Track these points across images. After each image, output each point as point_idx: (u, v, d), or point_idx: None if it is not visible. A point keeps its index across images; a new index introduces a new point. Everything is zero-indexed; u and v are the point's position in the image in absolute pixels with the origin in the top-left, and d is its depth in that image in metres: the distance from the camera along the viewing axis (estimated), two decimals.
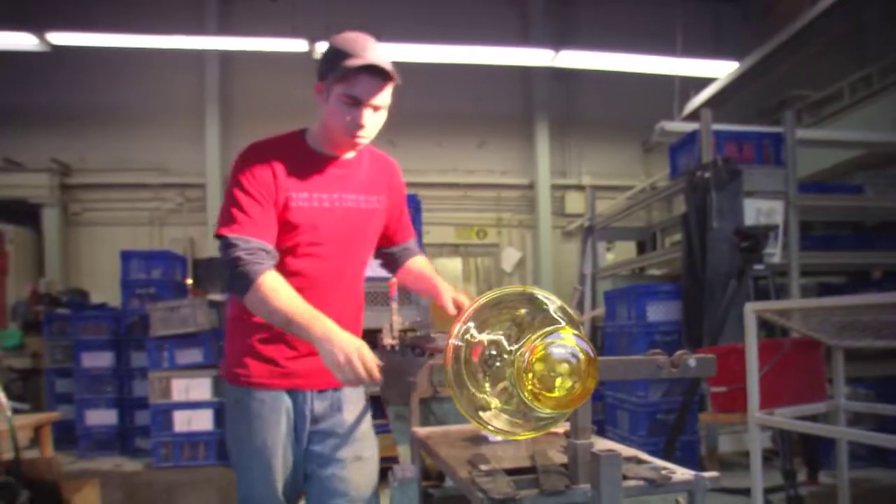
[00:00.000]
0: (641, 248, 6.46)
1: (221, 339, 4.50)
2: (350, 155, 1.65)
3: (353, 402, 1.69)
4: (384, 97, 1.54)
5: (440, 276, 1.83)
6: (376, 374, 1.31)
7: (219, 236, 1.51)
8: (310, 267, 1.60)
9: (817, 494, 3.51)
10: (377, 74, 1.50)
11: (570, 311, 0.97)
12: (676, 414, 3.86)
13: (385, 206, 1.74)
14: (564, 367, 0.86)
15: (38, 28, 6.53)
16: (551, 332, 0.86)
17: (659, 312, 4.33)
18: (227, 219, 1.51)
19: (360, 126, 1.53)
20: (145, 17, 7.91)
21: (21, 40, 6.61)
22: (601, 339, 5.29)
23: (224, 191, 1.57)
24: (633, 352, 4.30)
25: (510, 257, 9.38)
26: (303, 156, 1.60)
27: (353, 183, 1.65)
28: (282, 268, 1.54)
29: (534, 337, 0.85)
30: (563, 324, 0.89)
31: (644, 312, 4.32)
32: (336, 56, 1.50)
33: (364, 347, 1.33)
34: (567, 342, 0.85)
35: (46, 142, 8.29)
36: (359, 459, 1.64)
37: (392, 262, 1.91)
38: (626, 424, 4.39)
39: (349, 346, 1.31)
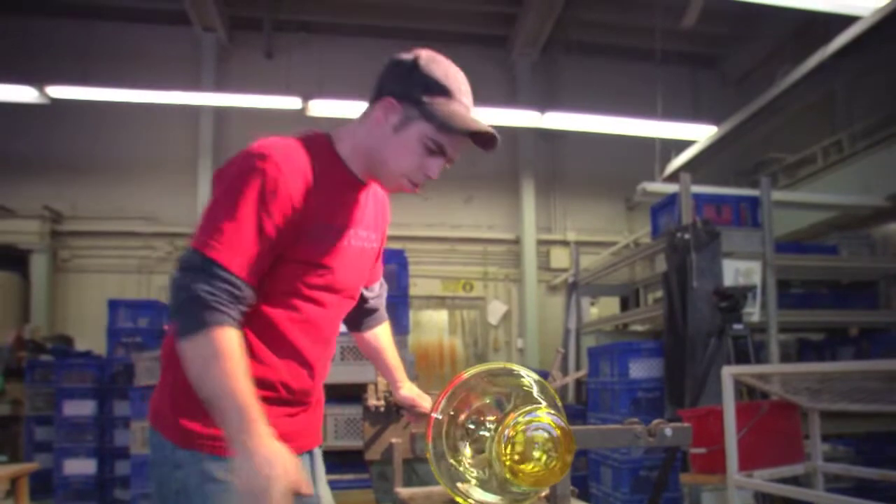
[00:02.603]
0: (625, 304, 6.57)
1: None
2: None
3: (321, 464, 1.46)
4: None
5: (399, 360, 1.67)
6: None
7: (193, 249, 1.14)
8: (310, 313, 1.29)
9: None
10: (481, 139, 1.28)
11: (549, 387, 1.05)
12: (659, 471, 3.89)
13: (378, 244, 1.49)
14: (542, 444, 0.93)
15: (38, 81, 6.70)
16: (530, 412, 0.93)
17: (641, 369, 4.40)
18: (211, 233, 1.13)
19: (429, 178, 1.30)
20: (143, 72, 8.13)
21: (21, 93, 6.77)
22: (585, 395, 5.34)
23: (219, 186, 1.19)
24: (616, 408, 4.35)
25: (496, 310, 9.45)
26: (336, 176, 1.28)
27: (366, 217, 1.37)
28: (274, 309, 1.24)
29: (514, 415, 0.92)
30: (542, 403, 0.96)
31: (627, 369, 4.38)
32: (429, 85, 1.23)
33: (296, 470, 1.04)
34: (543, 420, 0.93)
35: (39, 189, 8.38)
36: None
37: (357, 315, 1.60)
38: (609, 481, 4.40)
39: (277, 471, 1.00)
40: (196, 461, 1.20)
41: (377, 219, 1.44)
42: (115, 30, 8.68)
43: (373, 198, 1.42)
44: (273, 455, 1.01)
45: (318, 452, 1.47)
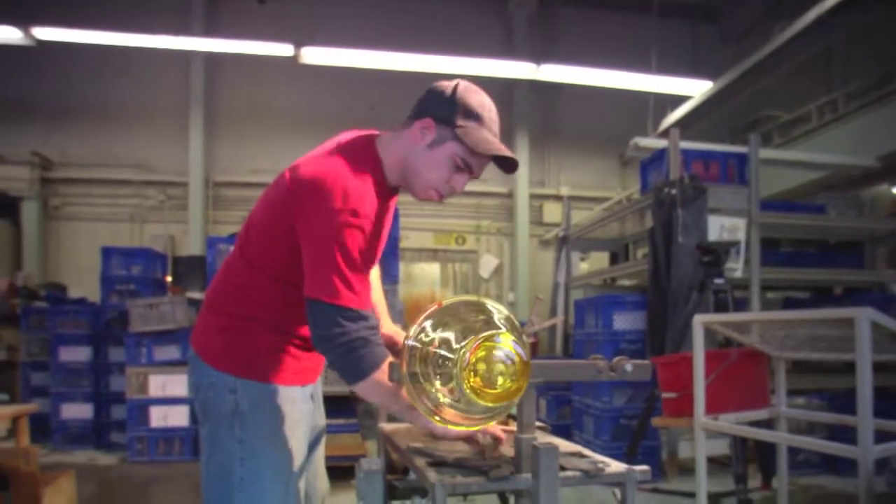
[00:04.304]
0: (614, 259, 6.65)
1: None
2: None
3: (321, 393, 1.71)
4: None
5: (383, 300, 1.80)
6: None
7: (322, 303, 1.31)
8: None
9: (767, 499, 3.70)
10: (502, 161, 1.44)
11: (514, 320, 1.11)
12: (639, 420, 4.03)
13: None
14: (501, 366, 1.01)
15: (23, 22, 6.56)
16: (492, 337, 1.00)
17: (625, 321, 4.51)
18: (335, 288, 1.30)
19: (454, 192, 1.47)
20: (132, 14, 7.97)
21: (5, 34, 6.62)
22: (572, 345, 5.47)
23: (316, 234, 1.32)
24: None
25: (488, 264, 9.55)
26: (382, 189, 1.44)
27: (389, 218, 1.54)
28: (299, 293, 1.38)
29: (476, 339, 0.99)
30: (504, 330, 1.03)
31: (611, 321, 4.49)
32: (468, 114, 1.40)
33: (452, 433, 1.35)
34: (504, 346, 1.00)
35: (28, 135, 8.30)
36: (321, 458, 1.70)
37: None
38: (591, 428, 4.56)
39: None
40: (247, 387, 1.44)
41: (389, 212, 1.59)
42: None
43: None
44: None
45: (319, 381, 1.69)
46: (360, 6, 8.75)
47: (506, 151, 1.40)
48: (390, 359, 1.31)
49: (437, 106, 1.41)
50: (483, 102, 1.42)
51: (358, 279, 1.32)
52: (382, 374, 1.30)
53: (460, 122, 1.39)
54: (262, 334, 1.46)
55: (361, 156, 1.42)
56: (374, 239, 1.42)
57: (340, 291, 1.29)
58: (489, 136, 1.41)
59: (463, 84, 1.43)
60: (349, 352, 1.30)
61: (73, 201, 8.56)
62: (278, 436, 1.44)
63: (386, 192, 1.46)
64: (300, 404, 1.51)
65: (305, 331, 1.43)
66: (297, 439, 1.48)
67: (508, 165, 1.44)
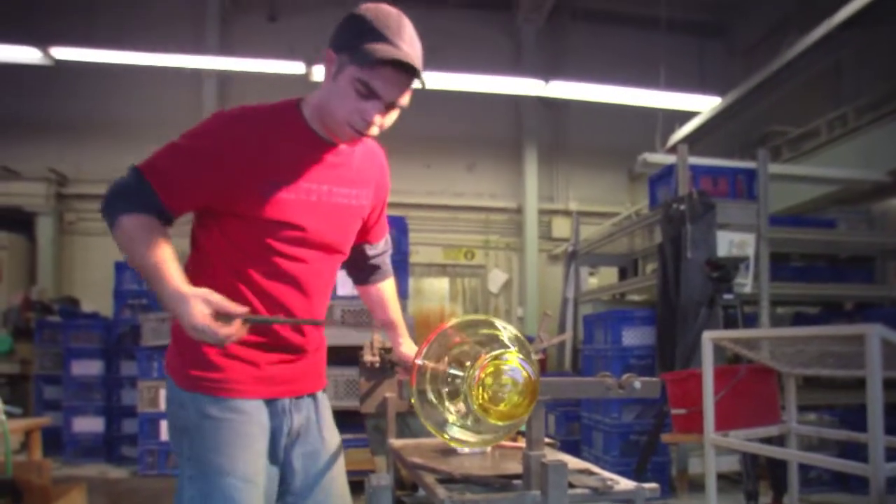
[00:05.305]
0: (623, 274, 6.64)
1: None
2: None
3: (326, 407, 1.57)
4: (405, 98, 1.34)
5: (401, 318, 1.76)
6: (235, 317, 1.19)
7: (134, 168, 1.33)
8: (290, 268, 1.40)
9: None
10: (406, 72, 1.29)
11: (523, 338, 1.13)
12: (648, 435, 4.01)
13: (371, 202, 1.55)
14: (510, 384, 1.03)
15: (41, 43, 6.70)
16: (501, 355, 1.02)
17: (634, 337, 4.50)
18: (154, 163, 1.32)
19: (368, 123, 1.32)
20: (147, 33, 8.09)
21: (25, 54, 6.77)
22: (581, 361, 5.45)
23: (182, 134, 1.36)
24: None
25: (497, 279, 9.55)
26: (295, 134, 1.37)
27: (345, 175, 1.44)
28: (256, 268, 1.37)
29: (485, 357, 1.01)
30: (513, 348, 1.05)
31: (620, 337, 4.48)
32: (363, 32, 1.27)
33: (209, 296, 1.19)
34: (512, 363, 1.02)
35: (44, 152, 8.42)
36: (337, 479, 1.54)
37: (361, 271, 1.73)
38: (600, 444, 4.53)
39: (192, 305, 1.17)
40: (195, 401, 1.36)
41: (365, 175, 1.51)
42: None
43: (361, 157, 1.49)
44: (186, 294, 1.19)
45: (322, 397, 1.57)
46: None
47: (400, 55, 1.25)
48: (138, 216, 1.27)
49: (337, 35, 1.33)
50: (380, 11, 1.30)
51: (173, 171, 1.30)
52: (136, 221, 1.27)
53: (355, 42, 1.27)
54: None
55: (275, 106, 1.39)
56: (269, 182, 1.33)
57: (146, 159, 1.32)
58: (385, 46, 1.25)
59: (367, 6, 1.32)
60: (107, 194, 1.31)
61: (88, 216, 8.65)
62: (227, 452, 1.32)
63: (306, 138, 1.38)
64: (258, 417, 1.38)
65: (282, 329, 1.40)
66: (253, 455, 1.35)
67: (412, 73, 1.29)
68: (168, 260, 1.25)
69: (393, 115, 1.37)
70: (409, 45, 1.30)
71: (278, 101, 1.40)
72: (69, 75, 8.03)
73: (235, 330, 1.20)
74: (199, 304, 1.18)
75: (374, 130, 1.36)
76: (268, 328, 1.40)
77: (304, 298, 1.44)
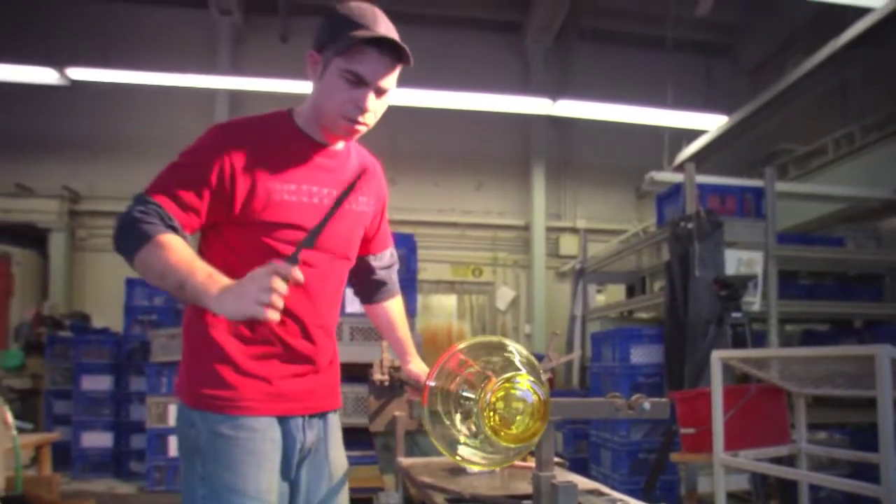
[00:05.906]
0: (631, 292, 6.64)
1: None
2: (339, 146, 1.46)
3: (336, 427, 1.56)
4: (392, 80, 1.35)
5: (409, 336, 1.76)
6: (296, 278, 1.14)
7: (138, 195, 1.31)
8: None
9: None
10: (389, 52, 1.31)
11: (534, 360, 1.15)
12: (657, 454, 3.99)
13: (372, 209, 1.57)
14: (520, 407, 1.05)
15: (58, 63, 6.83)
16: (512, 378, 1.04)
17: (642, 355, 4.49)
18: (158, 184, 1.32)
19: (361, 110, 1.33)
20: (161, 54, 8.24)
21: (42, 75, 6.90)
22: (589, 379, 5.44)
23: (180, 153, 1.37)
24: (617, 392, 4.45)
25: (504, 296, 9.56)
26: (290, 139, 1.40)
27: (343, 178, 1.43)
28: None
29: (496, 381, 1.03)
30: (524, 371, 1.07)
31: (628, 355, 4.48)
32: (341, 25, 1.31)
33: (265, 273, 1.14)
34: (523, 386, 1.04)
35: (59, 169, 8.55)
36: (338, 501, 1.54)
37: (367, 287, 1.73)
38: (608, 463, 4.51)
39: (259, 277, 1.13)
40: (205, 420, 1.35)
41: (366, 184, 1.52)
42: (133, 12, 8.78)
43: (357, 161, 1.51)
44: (229, 286, 1.17)
45: (333, 417, 1.56)
46: None
47: (379, 33, 1.29)
48: (168, 234, 1.24)
49: (317, 36, 1.37)
50: (353, 6, 1.34)
51: (179, 188, 1.29)
52: (150, 250, 1.22)
53: (334, 34, 1.32)
54: (216, 348, 1.36)
55: (268, 115, 1.43)
56: (270, 186, 1.33)
57: (150, 183, 1.31)
58: (362, 31, 1.29)
59: (337, 4, 1.37)
60: (118, 228, 1.28)
61: (100, 233, 8.74)
62: (240, 471, 1.31)
63: (301, 143, 1.41)
64: (270, 434, 1.37)
65: (287, 335, 1.38)
66: (266, 473, 1.35)
67: (394, 52, 1.31)
68: (191, 259, 1.23)
69: (384, 102, 1.38)
70: (388, 30, 1.33)
71: (269, 112, 1.44)
72: (84, 95, 8.17)
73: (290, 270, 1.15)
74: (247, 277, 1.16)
75: (370, 118, 1.37)
76: (271, 329, 1.37)
77: (310, 303, 1.42)
